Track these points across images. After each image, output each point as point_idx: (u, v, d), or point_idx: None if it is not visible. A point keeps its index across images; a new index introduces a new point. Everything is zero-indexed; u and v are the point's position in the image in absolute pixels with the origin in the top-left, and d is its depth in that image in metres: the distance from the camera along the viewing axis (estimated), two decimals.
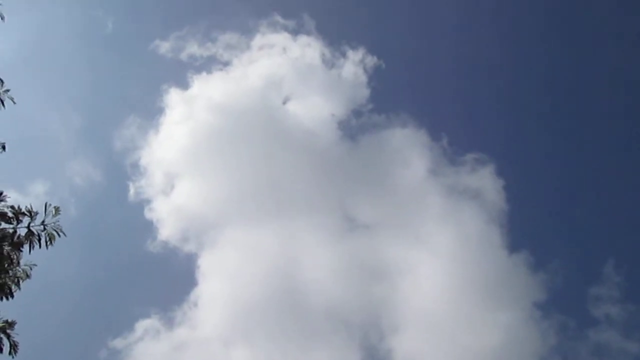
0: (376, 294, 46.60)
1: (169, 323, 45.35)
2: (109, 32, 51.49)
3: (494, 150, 53.11)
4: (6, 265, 12.53)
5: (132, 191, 49.07)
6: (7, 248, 12.57)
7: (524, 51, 54.70)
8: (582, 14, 53.39)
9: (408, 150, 51.90)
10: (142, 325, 44.18)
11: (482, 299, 46.22)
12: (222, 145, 52.06)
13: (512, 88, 55.73)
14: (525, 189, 54.34)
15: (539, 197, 54.07)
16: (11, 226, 12.56)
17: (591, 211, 52.43)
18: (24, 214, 12.49)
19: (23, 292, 12.90)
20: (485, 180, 49.54)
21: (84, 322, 44.54)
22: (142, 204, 48.88)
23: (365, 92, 51.86)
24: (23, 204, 12.82)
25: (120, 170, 51.54)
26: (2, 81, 11.72)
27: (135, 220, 50.91)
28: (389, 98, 56.43)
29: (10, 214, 12.37)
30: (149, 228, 48.55)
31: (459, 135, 55.35)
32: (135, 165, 50.30)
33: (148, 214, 48.48)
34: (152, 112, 57.51)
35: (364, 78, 51.86)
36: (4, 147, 12.08)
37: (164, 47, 50.92)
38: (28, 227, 12.47)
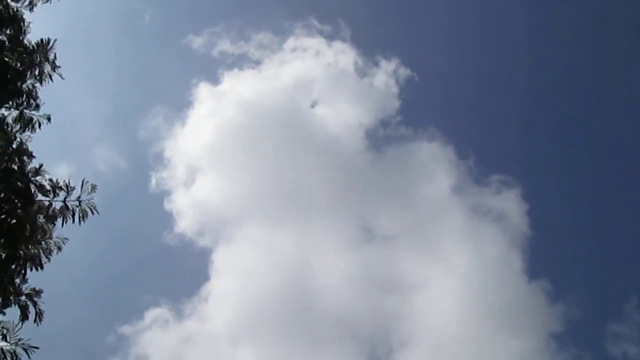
0: (388, 307, 46.32)
1: (179, 315, 45.63)
2: (145, 24, 52.44)
3: (521, 174, 52.59)
4: (39, 236, 12.87)
5: (153, 181, 49.58)
6: (41, 220, 12.92)
7: (561, 76, 54.30)
8: (620, 42, 52.81)
9: (433, 165, 51.67)
10: (151, 314, 44.49)
11: (496, 324, 45.60)
12: (246, 142, 52.40)
13: (545, 114, 55.25)
14: (549, 215, 53.52)
15: (563, 226, 53.18)
16: (47, 199, 12.93)
17: (618, 245, 51.44)
18: (61, 188, 12.84)
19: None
20: (510, 203, 48.98)
21: (94, 305, 45.03)
22: (163, 194, 49.36)
23: (395, 103, 51.82)
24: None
25: (144, 160, 52.14)
26: (55, 56, 12.12)
27: (154, 210, 51.41)
28: (419, 111, 56.35)
29: (48, 187, 12.73)
30: (167, 219, 49.01)
31: (486, 155, 54.85)
32: (159, 156, 50.86)
33: (167, 205, 48.94)
34: (180, 105, 58.30)
35: (395, 89, 51.84)
36: (49, 119, 12.44)
37: (197, 42, 51.54)
38: (64, 201, 12.80)
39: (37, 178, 13.01)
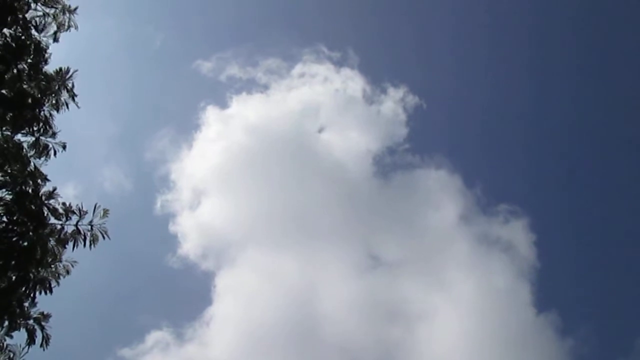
0: (392, 335, 45.83)
1: (180, 338, 45.31)
2: (156, 48, 53.36)
3: (529, 204, 52.58)
4: (50, 260, 12.99)
5: (159, 203, 49.86)
6: (52, 243, 13.05)
7: (567, 105, 54.56)
8: (631, 72, 53.09)
9: (440, 193, 51.65)
10: (152, 337, 44.22)
11: (502, 356, 44.97)
12: (252, 167, 52.69)
13: (553, 144, 55.36)
14: (558, 247, 53.24)
15: (572, 257, 52.78)
16: (60, 222, 13.09)
17: (628, 278, 50.95)
18: (73, 212, 13.00)
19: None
20: (518, 234, 48.70)
21: (96, 328, 44.85)
22: (168, 217, 49.50)
23: (402, 131, 52.08)
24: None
25: (150, 182, 52.47)
26: (73, 86, 12.42)
27: (158, 233, 51.53)
28: (426, 139, 56.67)
29: (61, 210, 12.90)
30: (171, 242, 49.17)
31: (494, 184, 54.96)
32: (165, 178, 51.22)
33: (172, 228, 49.02)
34: (187, 128, 58.99)
35: (403, 116, 52.16)
36: (64, 147, 12.68)
37: (206, 66, 52.29)
38: (76, 225, 12.95)
39: (51, 201, 13.20)
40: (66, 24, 12.66)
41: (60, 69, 12.24)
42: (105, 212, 12.85)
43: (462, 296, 47.55)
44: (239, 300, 49.04)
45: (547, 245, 50.34)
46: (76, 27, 13.40)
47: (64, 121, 13.44)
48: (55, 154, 12.62)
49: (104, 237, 12.98)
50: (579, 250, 52.80)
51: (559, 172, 55.38)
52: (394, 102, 52.40)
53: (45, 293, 12.77)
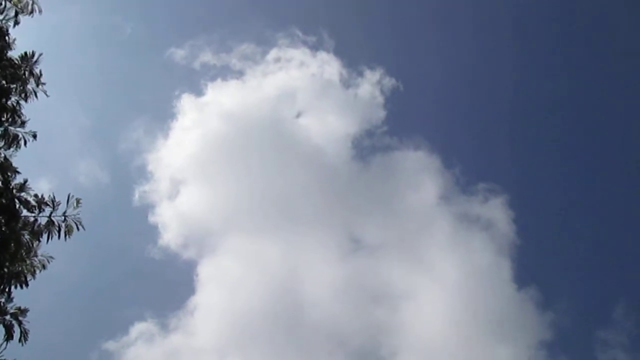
0: (376, 317, 46.27)
1: (164, 329, 45.12)
2: (127, 37, 52.32)
3: (507, 182, 53.09)
4: (24, 253, 12.66)
5: (137, 195, 49.31)
6: (26, 237, 12.71)
7: (545, 84, 55.05)
8: (607, 46, 53.71)
9: (419, 174, 51.96)
10: (136, 328, 43.96)
11: (485, 332, 45.69)
12: (230, 154, 52.32)
13: (530, 121, 55.94)
14: (536, 223, 54.12)
15: (550, 233, 53.80)
16: (33, 215, 12.74)
17: (605, 252, 52.04)
18: (46, 203, 12.66)
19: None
20: (497, 211, 49.33)
21: (78, 321, 44.41)
22: (146, 208, 49.02)
23: (380, 113, 52.10)
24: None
25: (127, 173, 51.86)
26: (41, 73, 12.00)
27: (137, 224, 51.12)
28: (404, 121, 56.79)
29: (33, 203, 12.55)
30: (151, 233, 48.68)
31: (472, 164, 55.42)
32: (142, 169, 50.62)
33: (151, 219, 48.61)
34: (163, 118, 58.21)
35: (380, 99, 52.16)
36: (34, 136, 12.30)
37: (179, 54, 51.54)
38: (50, 216, 12.62)
39: (22, 194, 12.83)
40: (29, 7, 12.20)
41: (26, 53, 11.82)
42: (78, 201, 12.52)
43: (444, 275, 48.21)
44: (223, 288, 49.01)
45: (525, 222, 51.19)
46: (40, 11, 12.94)
47: (34, 114, 13.04)
48: (25, 143, 12.23)
49: (78, 228, 12.67)
50: (557, 225, 53.77)
51: (535, 149, 56.11)
52: (371, 85, 52.36)
53: (21, 287, 12.46)
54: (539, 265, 51.93)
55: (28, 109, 12.83)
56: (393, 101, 52.32)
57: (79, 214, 12.69)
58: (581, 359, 45.79)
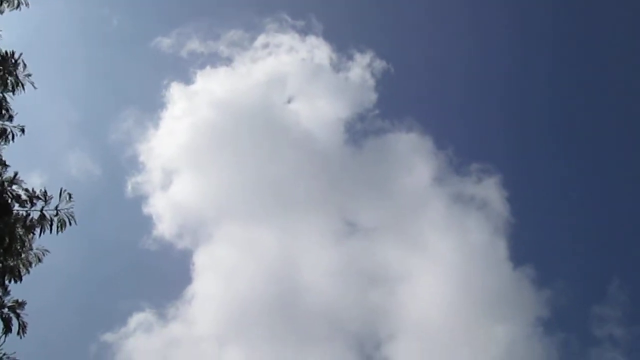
0: (374, 300, 46.60)
1: (163, 318, 45.29)
2: (113, 28, 51.81)
3: (500, 161, 53.37)
4: (18, 247, 12.69)
5: (129, 186, 49.15)
6: (20, 231, 12.74)
7: (535, 63, 54.99)
8: (595, 29, 53.74)
9: (412, 156, 52.00)
10: (135, 319, 44.08)
11: (483, 312, 46.11)
12: (222, 141, 52.09)
13: (522, 100, 55.97)
14: (530, 201, 54.46)
15: (544, 211, 54.07)
16: (25, 209, 12.75)
17: (598, 228, 52.48)
18: (38, 197, 12.67)
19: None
20: (491, 191, 49.51)
21: (76, 314, 44.50)
22: (139, 199, 48.90)
23: (372, 96, 51.97)
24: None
25: (118, 165, 51.61)
26: (24, 64, 11.92)
27: (131, 216, 50.97)
28: (396, 103, 56.69)
29: (24, 197, 12.56)
30: (146, 223, 48.61)
31: (465, 144, 55.59)
32: (134, 160, 50.39)
33: (145, 210, 48.51)
34: (153, 107, 57.87)
35: (371, 82, 51.99)
36: (23, 130, 12.27)
37: (166, 43, 51.05)
38: (41, 211, 12.64)
39: (13, 187, 12.84)
40: (15, 0, 12.10)
41: (6, 52, 11.69)
42: (70, 196, 12.55)
43: (440, 256, 48.52)
44: (219, 277, 49.16)
45: (520, 201, 51.50)
46: (27, 4, 12.85)
47: (22, 108, 12.97)
48: (13, 138, 12.20)
49: (70, 223, 12.70)
50: (551, 202, 54.16)
51: (527, 129, 56.29)
52: (362, 68, 52.18)
53: (15, 281, 12.51)
54: (534, 243, 52.41)
55: (16, 104, 12.81)
56: (384, 84, 52.27)
57: (71, 208, 12.74)
58: (578, 335, 46.43)
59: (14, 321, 12.16)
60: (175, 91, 52.00)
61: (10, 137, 12.19)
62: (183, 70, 54.50)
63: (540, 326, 44.44)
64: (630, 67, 51.88)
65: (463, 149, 53.69)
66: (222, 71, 53.07)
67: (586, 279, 49.85)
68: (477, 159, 51.55)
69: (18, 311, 12.15)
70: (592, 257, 50.57)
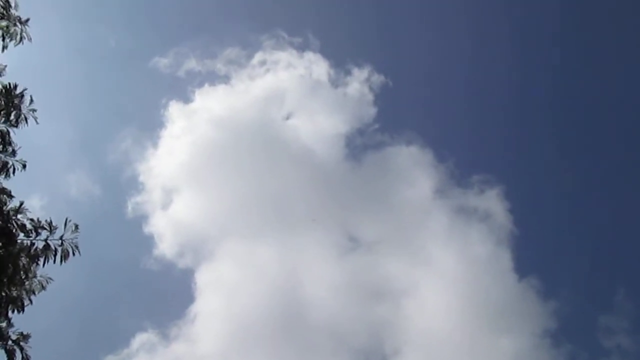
0: (378, 314, 46.28)
1: (166, 338, 44.94)
2: (111, 49, 52.09)
3: (502, 172, 52.95)
4: (22, 277, 12.67)
5: (129, 207, 49.04)
6: (24, 260, 12.72)
7: (535, 74, 55.02)
8: (599, 42, 53.92)
9: (413, 169, 51.85)
10: (137, 340, 43.76)
11: (489, 324, 45.71)
12: (222, 159, 51.98)
13: (522, 110, 55.95)
14: (533, 212, 53.96)
15: (548, 221, 53.69)
16: (29, 239, 12.75)
17: (603, 238, 52.13)
18: (43, 227, 12.68)
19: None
20: (493, 202, 49.33)
21: (78, 337, 44.23)
22: (140, 219, 48.55)
23: (371, 111, 51.94)
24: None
25: (118, 185, 51.41)
26: (32, 99, 11.99)
27: (132, 236, 50.59)
28: (396, 117, 56.46)
29: (29, 226, 12.56)
30: (147, 243, 48.29)
31: (465, 156, 55.28)
32: (134, 180, 50.28)
33: (146, 229, 48.25)
34: (151, 127, 57.69)
35: (370, 96, 51.97)
36: (24, 166, 12.29)
37: (164, 63, 51.27)
38: (46, 240, 12.64)
39: (19, 217, 12.84)
40: (18, 35, 12.20)
41: (9, 84, 11.75)
42: (76, 226, 12.55)
43: (444, 268, 48.24)
44: (222, 294, 48.88)
45: (523, 211, 51.11)
46: (29, 39, 12.95)
47: (22, 130, 12.96)
48: (14, 172, 12.22)
49: (74, 253, 12.70)
50: (554, 212, 53.93)
51: (528, 139, 56.24)
52: (360, 83, 52.24)
53: (18, 312, 12.47)
54: (539, 254, 51.95)
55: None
56: (383, 98, 52.23)
57: (76, 239, 12.72)
58: (586, 346, 46.02)
59: (18, 353, 12.11)
60: (174, 110, 52.10)
61: (11, 171, 12.20)
62: (181, 89, 54.62)
63: (548, 338, 44.08)
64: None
65: (464, 160, 53.53)
66: (220, 89, 53.25)
67: (592, 289, 49.46)
68: (478, 171, 51.38)
69: (22, 344, 12.10)
70: (597, 267, 50.35)
